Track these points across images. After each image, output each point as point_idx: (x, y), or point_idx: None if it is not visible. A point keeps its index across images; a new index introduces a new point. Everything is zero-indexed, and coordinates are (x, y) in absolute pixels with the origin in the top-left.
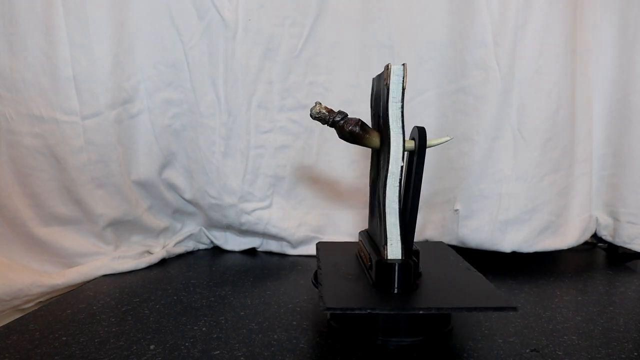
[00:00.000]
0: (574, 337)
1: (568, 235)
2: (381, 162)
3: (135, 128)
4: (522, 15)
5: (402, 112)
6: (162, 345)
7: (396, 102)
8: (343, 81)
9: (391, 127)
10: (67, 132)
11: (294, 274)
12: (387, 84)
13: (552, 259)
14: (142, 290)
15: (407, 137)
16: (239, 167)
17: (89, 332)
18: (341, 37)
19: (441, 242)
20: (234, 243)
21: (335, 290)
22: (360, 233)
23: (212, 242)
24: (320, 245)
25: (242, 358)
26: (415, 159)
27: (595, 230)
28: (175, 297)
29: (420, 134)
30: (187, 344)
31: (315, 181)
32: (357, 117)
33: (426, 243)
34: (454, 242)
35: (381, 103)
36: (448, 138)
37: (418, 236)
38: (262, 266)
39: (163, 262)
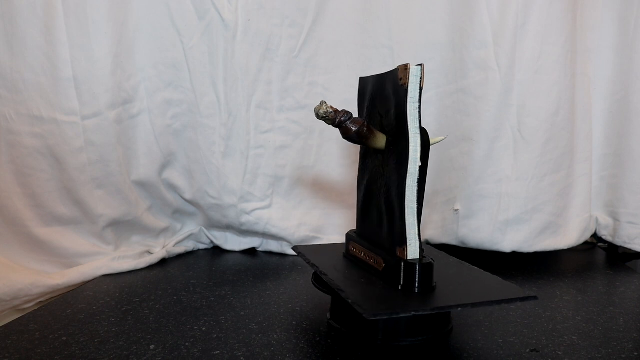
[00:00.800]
0: (574, 337)
1: (568, 236)
2: (387, 162)
3: (135, 128)
4: (522, 16)
5: (420, 112)
6: (162, 345)
7: (414, 103)
8: (342, 81)
9: (410, 127)
10: (67, 133)
11: (294, 274)
12: (405, 84)
13: (552, 259)
14: (142, 290)
15: None
16: (238, 167)
17: (89, 332)
18: (340, 37)
19: (427, 244)
20: (234, 243)
21: (363, 296)
22: (349, 235)
23: (212, 242)
24: (301, 250)
25: (242, 358)
26: None
27: (596, 231)
28: (175, 297)
29: (422, 134)
30: (187, 344)
31: (315, 181)
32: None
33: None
34: (454, 242)
35: (393, 103)
36: (443, 137)
37: None
38: (262, 266)
39: (163, 262)
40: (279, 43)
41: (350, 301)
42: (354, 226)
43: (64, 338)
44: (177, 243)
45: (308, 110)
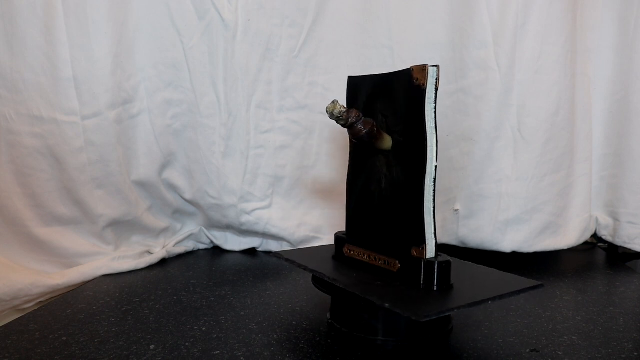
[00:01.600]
0: (574, 337)
1: (568, 236)
2: (392, 162)
3: (135, 128)
4: (522, 16)
5: (436, 112)
6: (162, 345)
7: (430, 103)
8: (342, 81)
9: (427, 127)
10: (67, 133)
11: (294, 274)
12: (423, 84)
13: (552, 259)
14: (142, 290)
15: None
16: (238, 167)
17: (89, 332)
18: (340, 37)
19: None
20: (234, 243)
21: (395, 298)
22: (341, 237)
23: (212, 242)
24: (288, 255)
25: (242, 358)
26: None
27: (596, 230)
28: (175, 297)
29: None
30: (187, 344)
31: (315, 181)
32: None
33: None
34: (454, 242)
35: (403, 103)
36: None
37: None
38: (262, 266)
39: (163, 262)
40: (279, 43)
41: (387, 306)
42: None
43: (64, 338)
44: (177, 243)
45: (308, 110)
